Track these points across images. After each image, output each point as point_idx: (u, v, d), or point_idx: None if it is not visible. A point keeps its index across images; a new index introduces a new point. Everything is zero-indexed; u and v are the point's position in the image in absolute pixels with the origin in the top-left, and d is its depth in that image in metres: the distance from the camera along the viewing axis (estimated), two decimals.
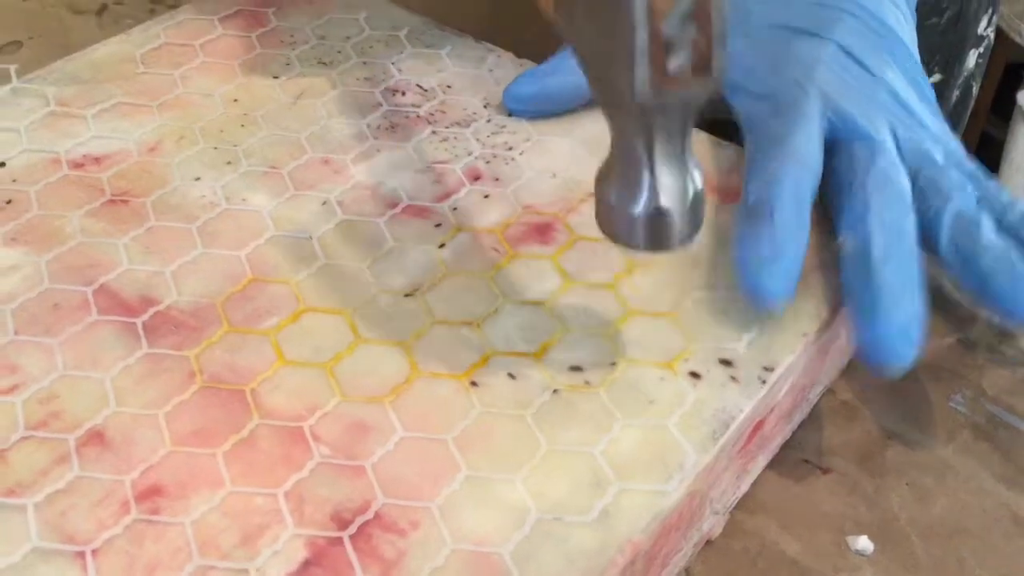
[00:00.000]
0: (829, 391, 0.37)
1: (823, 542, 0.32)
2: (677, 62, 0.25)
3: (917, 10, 0.59)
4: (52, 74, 0.40)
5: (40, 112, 0.38)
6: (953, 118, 0.65)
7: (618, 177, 0.28)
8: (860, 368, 0.37)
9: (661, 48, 0.25)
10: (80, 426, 0.28)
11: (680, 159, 0.27)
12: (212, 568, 0.25)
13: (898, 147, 0.34)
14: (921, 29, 0.60)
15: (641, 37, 0.24)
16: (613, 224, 0.28)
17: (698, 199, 0.28)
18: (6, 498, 0.26)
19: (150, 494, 0.26)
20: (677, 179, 0.27)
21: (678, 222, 0.27)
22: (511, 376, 0.30)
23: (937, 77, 0.62)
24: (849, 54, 0.36)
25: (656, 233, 0.28)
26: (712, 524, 0.31)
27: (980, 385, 0.37)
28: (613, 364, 0.31)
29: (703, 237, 0.35)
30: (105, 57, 0.41)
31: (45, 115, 0.38)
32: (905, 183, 0.33)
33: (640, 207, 0.27)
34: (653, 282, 0.33)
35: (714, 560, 0.32)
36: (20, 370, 0.29)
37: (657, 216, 0.27)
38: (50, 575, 0.25)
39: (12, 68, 0.40)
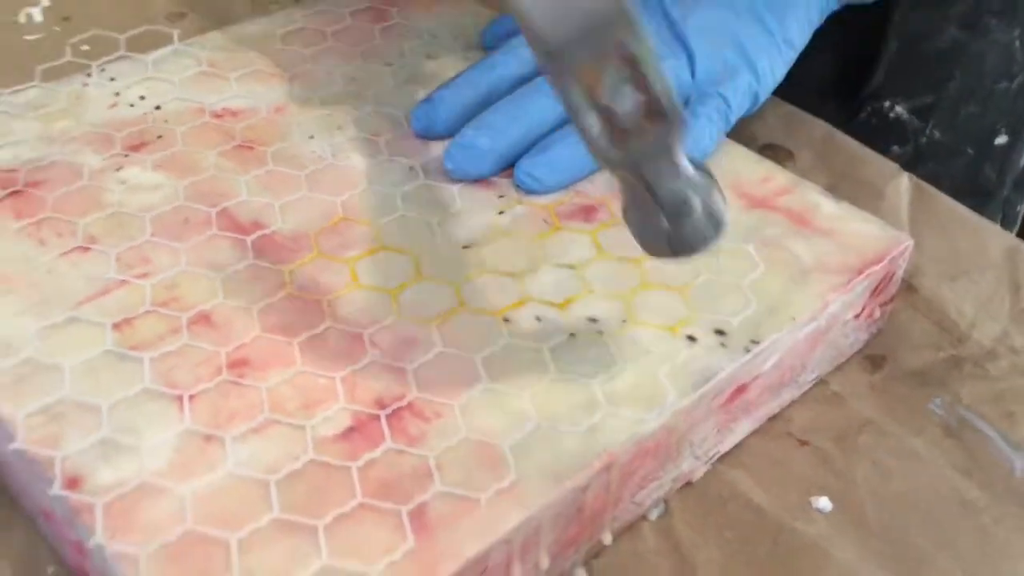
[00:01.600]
0: (823, 381, 0.42)
1: (788, 498, 0.38)
2: (629, 120, 0.28)
3: (987, 75, 0.62)
4: (207, 42, 0.49)
5: (193, 70, 0.47)
6: (1021, 181, 0.68)
7: (632, 209, 0.32)
8: (854, 366, 0.43)
9: (608, 115, 0.27)
10: (193, 308, 0.35)
11: (679, 181, 0.30)
12: (277, 422, 0.32)
13: None
14: (991, 93, 0.63)
15: (587, 116, 0.28)
16: (647, 247, 0.33)
17: (709, 203, 0.31)
18: (129, 351, 0.34)
19: (239, 364, 0.34)
20: (681, 197, 0.30)
21: (696, 230, 0.31)
22: (537, 319, 0.36)
23: (1004, 139, 0.65)
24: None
25: (683, 245, 0.32)
26: (693, 467, 0.37)
27: (959, 393, 0.42)
28: (624, 321, 0.37)
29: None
30: (252, 32, 0.49)
31: (197, 73, 0.46)
32: None
33: (661, 230, 0.31)
34: (670, 262, 0.39)
35: (690, 498, 0.37)
36: (152, 262, 0.37)
37: (677, 232, 0.31)
38: (155, 409, 0.32)
39: (175, 32, 0.49)
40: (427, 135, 0.44)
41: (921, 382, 0.42)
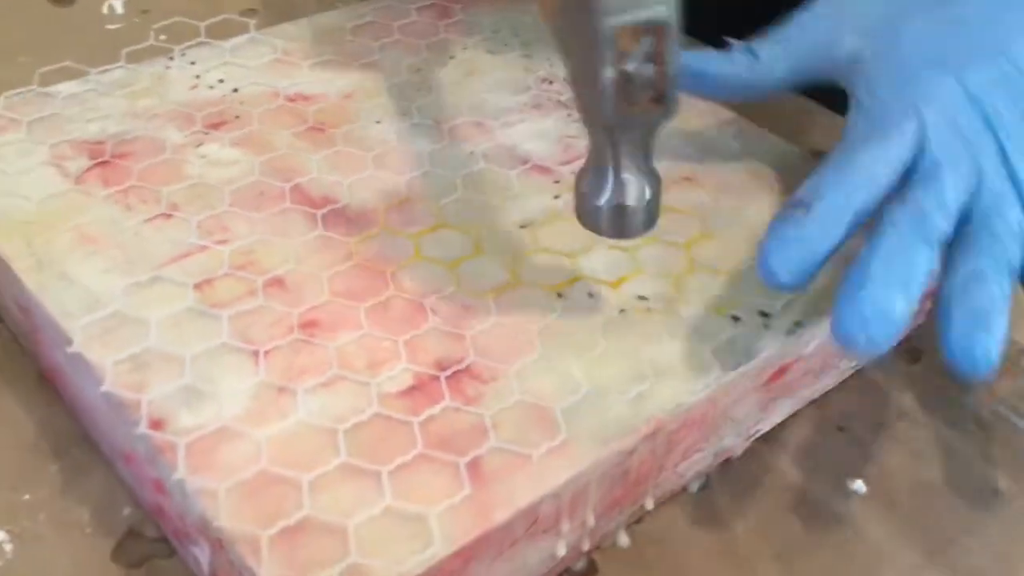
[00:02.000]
0: (862, 370, 0.44)
1: (824, 478, 0.39)
2: (638, 93, 0.31)
3: None
4: (281, 32, 0.51)
5: (268, 57, 0.49)
6: None
7: (590, 175, 0.34)
8: (894, 357, 0.44)
9: (625, 82, 0.31)
10: (267, 273, 0.38)
11: (641, 166, 0.34)
12: (344, 378, 0.34)
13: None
14: None
15: (609, 73, 0.31)
16: (583, 213, 0.35)
17: (653, 200, 0.34)
18: (209, 308, 0.36)
19: (309, 325, 0.36)
20: (636, 182, 0.34)
21: (633, 217, 0.34)
22: (590, 295, 0.38)
23: None
24: (975, 100, 0.37)
25: (615, 223, 0.34)
26: (734, 444, 0.39)
27: (993, 388, 0.43)
28: (672, 300, 0.39)
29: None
30: (324, 24, 0.52)
31: (272, 60, 0.49)
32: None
33: (604, 201, 0.34)
34: (718, 248, 0.41)
35: (730, 473, 0.39)
36: (230, 230, 0.39)
37: (617, 210, 0.34)
38: (233, 362, 0.34)
39: (251, 23, 0.51)
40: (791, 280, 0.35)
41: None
